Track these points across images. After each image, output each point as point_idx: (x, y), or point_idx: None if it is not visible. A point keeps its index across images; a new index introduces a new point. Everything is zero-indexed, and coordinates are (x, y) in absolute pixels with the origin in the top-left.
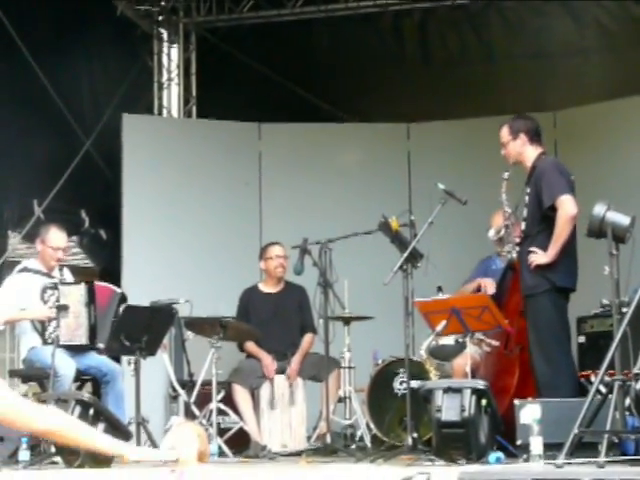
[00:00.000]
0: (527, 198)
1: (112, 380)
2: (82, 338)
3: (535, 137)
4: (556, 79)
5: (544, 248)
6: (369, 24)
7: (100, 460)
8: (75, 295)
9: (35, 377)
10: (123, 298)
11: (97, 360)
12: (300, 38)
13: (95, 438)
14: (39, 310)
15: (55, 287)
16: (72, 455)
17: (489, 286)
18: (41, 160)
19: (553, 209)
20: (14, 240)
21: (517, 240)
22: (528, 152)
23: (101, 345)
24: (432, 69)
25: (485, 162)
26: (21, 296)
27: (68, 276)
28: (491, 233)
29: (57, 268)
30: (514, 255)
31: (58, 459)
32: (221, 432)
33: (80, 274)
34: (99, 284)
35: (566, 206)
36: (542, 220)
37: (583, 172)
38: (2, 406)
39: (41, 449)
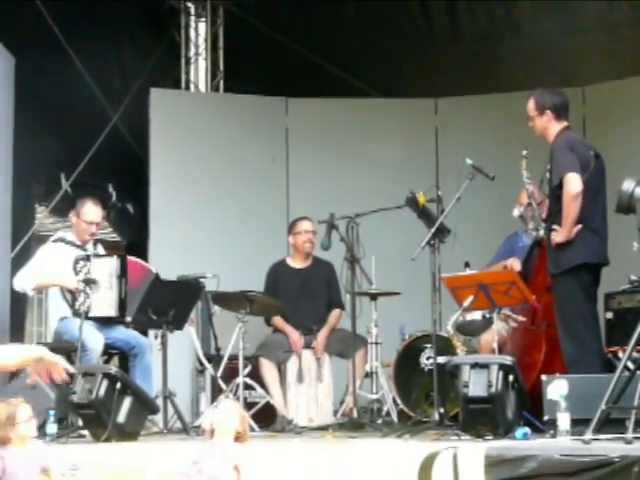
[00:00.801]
0: (548, 175)
1: (140, 353)
2: (111, 310)
3: (562, 112)
4: (585, 54)
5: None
6: None
7: (127, 434)
8: (107, 268)
9: (63, 350)
10: (157, 278)
11: (125, 333)
12: (328, 12)
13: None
14: (69, 278)
15: (88, 259)
16: (99, 428)
17: (515, 264)
18: (69, 134)
19: (561, 188)
20: (41, 214)
21: (544, 216)
22: (553, 128)
23: (129, 318)
24: (460, 44)
25: (513, 137)
26: (54, 265)
27: (102, 252)
28: (515, 212)
29: (91, 242)
30: (541, 233)
31: (85, 432)
32: (248, 406)
33: (107, 248)
34: (135, 260)
35: (570, 184)
36: (560, 198)
37: (612, 147)
38: None
39: (68, 422)
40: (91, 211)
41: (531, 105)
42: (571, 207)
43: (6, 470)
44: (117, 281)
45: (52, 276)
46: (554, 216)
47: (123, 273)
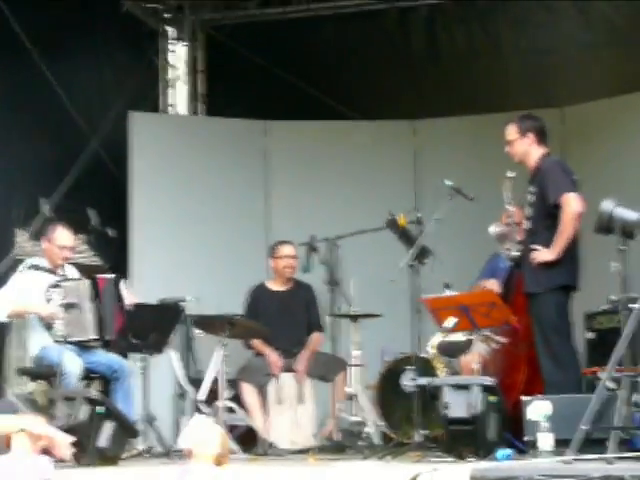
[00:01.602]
0: (530, 197)
1: (122, 377)
2: (90, 332)
3: (542, 137)
4: (564, 74)
5: (548, 245)
6: (375, 21)
7: (108, 458)
8: (79, 291)
9: (43, 375)
10: (117, 280)
11: (107, 357)
12: (307, 35)
13: None
14: (43, 306)
15: (58, 285)
16: (80, 453)
17: (494, 287)
18: (48, 158)
19: (557, 207)
20: (21, 238)
21: (518, 238)
22: (533, 152)
23: (108, 337)
24: (439, 65)
25: (492, 158)
26: (26, 293)
27: (72, 272)
28: (491, 229)
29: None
30: (514, 253)
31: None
32: (229, 429)
33: (88, 272)
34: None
35: (572, 203)
36: (546, 218)
37: (592, 168)
38: None
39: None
40: (62, 235)
41: (512, 129)
42: (570, 227)
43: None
44: (91, 304)
45: (26, 304)
46: (535, 236)
47: (96, 294)
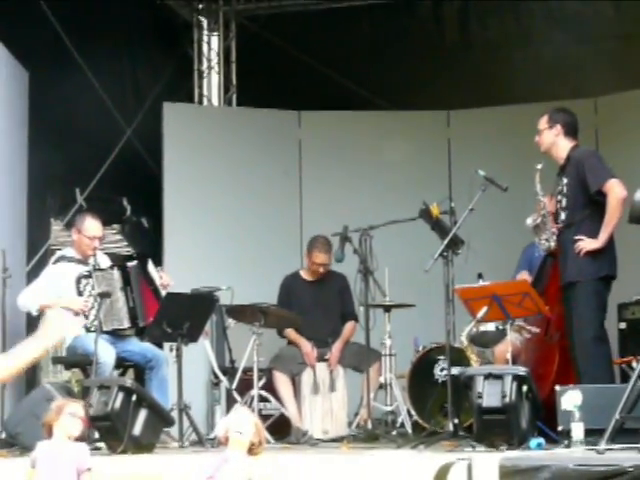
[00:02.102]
0: (565, 188)
1: (156, 366)
2: (123, 322)
3: (570, 131)
4: (597, 65)
5: (590, 234)
6: (409, 11)
7: (143, 446)
8: (110, 281)
9: (77, 364)
10: (144, 264)
11: (141, 346)
12: (340, 25)
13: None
14: (74, 300)
15: (89, 276)
16: (115, 441)
17: (526, 278)
18: (83, 148)
19: (600, 194)
20: (56, 228)
21: (554, 229)
22: (560, 143)
23: (142, 324)
24: (472, 56)
25: (525, 149)
26: (58, 285)
27: (103, 260)
28: (529, 221)
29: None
30: (552, 244)
31: (102, 445)
32: (263, 418)
33: (118, 261)
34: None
35: (616, 189)
36: (586, 206)
37: (624, 158)
38: None
39: (84, 435)
40: (92, 225)
41: (543, 119)
42: (617, 212)
43: (38, 462)
44: (122, 292)
45: (57, 299)
46: (577, 226)
47: (127, 282)
